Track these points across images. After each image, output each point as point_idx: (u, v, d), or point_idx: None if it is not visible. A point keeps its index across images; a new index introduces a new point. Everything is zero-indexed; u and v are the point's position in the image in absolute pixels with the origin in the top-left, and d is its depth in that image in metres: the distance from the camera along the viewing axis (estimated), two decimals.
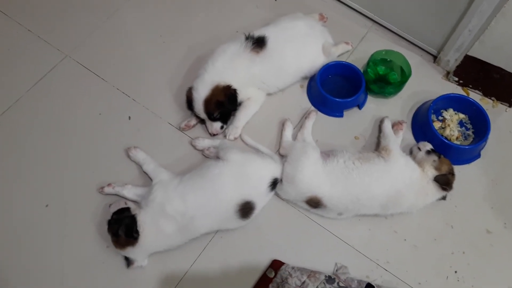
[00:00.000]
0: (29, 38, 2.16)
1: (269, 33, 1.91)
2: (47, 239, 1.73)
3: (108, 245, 1.69)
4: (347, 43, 2.12)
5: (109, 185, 1.77)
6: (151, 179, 1.75)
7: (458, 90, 2.05)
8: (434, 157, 1.73)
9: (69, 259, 1.69)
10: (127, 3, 2.27)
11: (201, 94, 1.82)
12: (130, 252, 1.61)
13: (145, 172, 1.79)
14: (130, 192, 1.75)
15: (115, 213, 1.64)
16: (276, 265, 1.67)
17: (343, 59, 2.09)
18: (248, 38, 1.88)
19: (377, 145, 1.87)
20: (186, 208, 1.60)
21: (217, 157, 1.75)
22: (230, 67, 1.85)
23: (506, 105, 2.02)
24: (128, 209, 1.64)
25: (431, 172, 1.69)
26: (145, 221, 1.60)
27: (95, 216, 1.76)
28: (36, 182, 1.83)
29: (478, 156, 1.89)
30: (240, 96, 1.88)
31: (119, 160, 1.86)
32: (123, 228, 1.58)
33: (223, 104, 1.82)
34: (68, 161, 1.87)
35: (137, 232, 1.58)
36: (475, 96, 2.03)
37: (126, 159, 1.86)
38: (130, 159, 1.85)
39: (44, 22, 2.20)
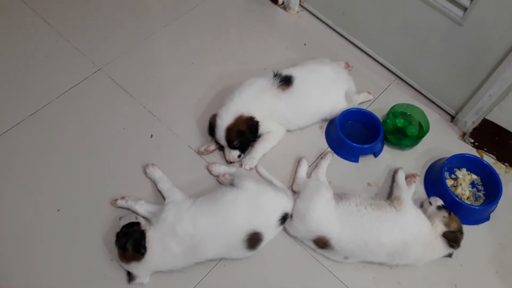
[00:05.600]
0: (66, 48, 2.26)
1: (296, 73, 1.99)
2: (53, 242, 1.74)
3: (112, 258, 1.70)
4: (369, 92, 2.20)
5: (122, 198, 1.80)
6: (164, 198, 1.78)
7: (473, 152, 2.09)
8: (444, 213, 1.75)
9: (72, 266, 1.70)
10: (164, 28, 2.39)
11: (224, 121, 1.87)
12: (134, 267, 1.61)
13: (159, 191, 1.82)
14: (142, 207, 1.77)
15: (124, 227, 1.65)
16: None
17: (364, 107, 2.15)
18: (276, 75, 1.96)
19: (389, 195, 1.90)
20: (195, 231, 1.61)
21: (231, 184, 1.78)
22: (256, 100, 1.91)
23: None
24: (138, 224, 1.66)
25: (440, 228, 1.70)
26: (153, 238, 1.61)
27: (104, 228, 1.77)
28: (52, 186, 1.86)
29: (488, 218, 1.90)
30: (261, 129, 1.93)
31: (135, 175, 1.90)
32: (131, 242, 1.59)
33: (244, 134, 1.88)
34: (86, 170, 1.91)
35: (144, 248, 1.58)
36: (488, 159, 2.07)
37: (142, 175, 1.90)
38: (146, 176, 1.88)
39: (83, 35, 2.31)
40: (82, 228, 1.77)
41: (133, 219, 1.68)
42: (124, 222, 1.67)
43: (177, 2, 2.49)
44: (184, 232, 1.61)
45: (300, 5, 2.53)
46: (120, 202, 1.79)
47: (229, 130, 1.87)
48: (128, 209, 1.79)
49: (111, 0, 2.46)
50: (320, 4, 2.45)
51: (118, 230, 1.65)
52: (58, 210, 1.81)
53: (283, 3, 2.52)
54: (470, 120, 2.07)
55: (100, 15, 2.41)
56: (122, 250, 1.61)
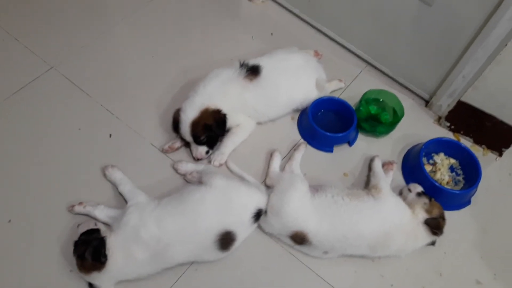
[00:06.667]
0: (15, 47, 2.10)
1: (263, 62, 1.90)
2: (5, 256, 1.58)
3: (72, 269, 1.56)
4: (340, 80, 2.12)
5: (80, 203, 1.66)
6: (126, 201, 1.64)
7: (449, 135, 2.04)
8: (425, 200, 1.67)
9: (27, 281, 1.55)
10: (122, 21, 2.26)
11: (189, 115, 1.76)
12: (95, 278, 1.48)
13: (120, 194, 1.69)
14: (102, 213, 1.63)
15: (83, 234, 1.52)
16: None
17: (336, 95, 2.07)
18: (242, 65, 1.86)
19: (366, 184, 1.83)
20: (161, 234, 1.49)
21: (200, 182, 1.66)
22: (222, 92, 1.81)
23: (496, 154, 2.00)
24: (97, 230, 1.53)
25: (422, 215, 1.63)
26: (115, 245, 1.49)
27: (61, 237, 1.63)
28: (1, 195, 1.69)
29: (469, 202, 1.84)
30: (229, 122, 1.83)
31: (94, 178, 1.76)
32: (90, 250, 1.46)
33: (211, 128, 1.76)
34: (39, 175, 1.76)
35: (105, 256, 1.46)
36: (465, 142, 2.01)
37: (102, 178, 1.76)
38: (106, 178, 1.74)
39: (33, 32, 2.15)
40: (36, 239, 1.63)
41: (92, 226, 1.54)
42: (83, 229, 1.53)
43: None
44: (148, 236, 1.49)
45: None
46: (78, 208, 1.65)
47: (195, 124, 1.75)
48: (87, 215, 1.65)
49: None
50: None
51: (76, 238, 1.51)
52: (9, 221, 1.65)
53: None
54: (445, 103, 2.01)
55: (51, 10, 2.25)
56: (81, 259, 1.47)
